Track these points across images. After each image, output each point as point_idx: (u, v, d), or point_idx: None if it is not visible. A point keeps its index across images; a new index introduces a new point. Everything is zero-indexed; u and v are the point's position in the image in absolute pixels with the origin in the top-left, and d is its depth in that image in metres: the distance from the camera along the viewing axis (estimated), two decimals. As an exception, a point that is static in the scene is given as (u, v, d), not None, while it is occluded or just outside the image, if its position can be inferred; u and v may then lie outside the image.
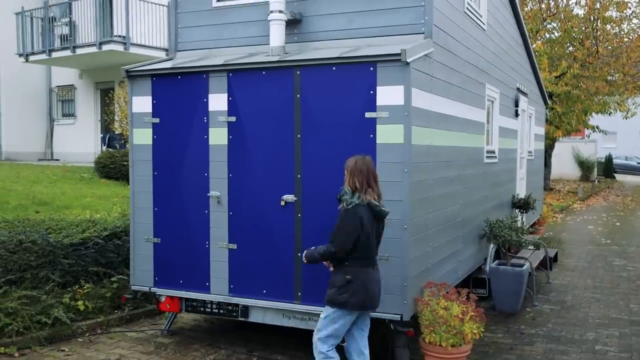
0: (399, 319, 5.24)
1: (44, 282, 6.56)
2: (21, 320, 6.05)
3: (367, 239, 4.58)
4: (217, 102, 5.86)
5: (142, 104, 6.25)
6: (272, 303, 5.65)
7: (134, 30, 16.59)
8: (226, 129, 5.83)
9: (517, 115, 10.17)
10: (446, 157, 6.33)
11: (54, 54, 18.01)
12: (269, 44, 5.90)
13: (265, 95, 5.66)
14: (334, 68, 5.37)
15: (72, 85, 21.09)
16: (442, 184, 6.19)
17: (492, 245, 8.19)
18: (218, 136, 5.88)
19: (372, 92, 5.24)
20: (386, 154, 5.22)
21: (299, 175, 5.52)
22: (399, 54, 5.07)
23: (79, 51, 17.33)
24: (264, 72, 5.66)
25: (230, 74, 5.79)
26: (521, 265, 7.86)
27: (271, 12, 5.81)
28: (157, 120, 6.16)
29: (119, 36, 16.64)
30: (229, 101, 5.81)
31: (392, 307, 5.25)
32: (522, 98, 10.55)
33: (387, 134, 5.21)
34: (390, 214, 5.14)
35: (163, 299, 6.23)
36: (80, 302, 6.59)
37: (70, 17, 17.83)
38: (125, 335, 6.56)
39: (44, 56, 18.27)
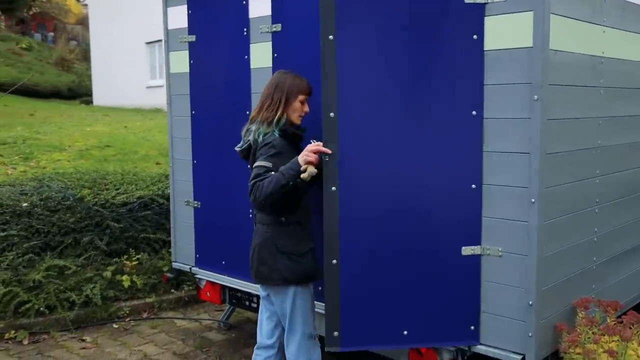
0: (519, 362, 2.98)
1: (87, 250, 5.33)
2: (45, 298, 4.87)
3: None
4: (259, 4, 3.93)
5: (178, 17, 4.54)
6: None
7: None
8: (270, 43, 3.90)
9: None
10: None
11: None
12: None
13: (318, -15, 3.61)
14: None
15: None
16: (628, 127, 3.63)
17: None
18: (261, 55, 3.97)
19: (477, -43, 2.92)
20: (500, 69, 2.90)
21: (364, 111, 3.43)
22: None
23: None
24: (316, -51, 3.60)
25: (275, -41, 3.82)
26: None
27: None
28: (193, 38, 4.43)
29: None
30: (272, 1, 3.86)
31: (507, 340, 3.00)
32: None
33: (501, 32, 2.88)
34: (503, 178, 2.92)
35: (203, 283, 4.61)
36: (124, 277, 5.25)
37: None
38: (173, 323, 5.10)
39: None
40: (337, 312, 3.03)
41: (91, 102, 24.64)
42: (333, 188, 2.98)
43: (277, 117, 3.20)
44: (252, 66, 4.04)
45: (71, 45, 35.74)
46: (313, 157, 2.96)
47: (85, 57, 30.35)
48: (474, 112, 2.96)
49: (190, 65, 4.47)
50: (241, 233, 4.23)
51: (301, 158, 2.97)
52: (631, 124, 3.67)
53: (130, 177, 6.11)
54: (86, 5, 43.94)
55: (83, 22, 39.49)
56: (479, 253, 3.04)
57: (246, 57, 4.05)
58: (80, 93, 25.78)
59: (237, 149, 3.37)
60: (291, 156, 3.09)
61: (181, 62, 4.55)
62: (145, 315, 5.20)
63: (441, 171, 3.01)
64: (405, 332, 3.06)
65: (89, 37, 27.91)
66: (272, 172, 3.05)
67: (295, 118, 3.26)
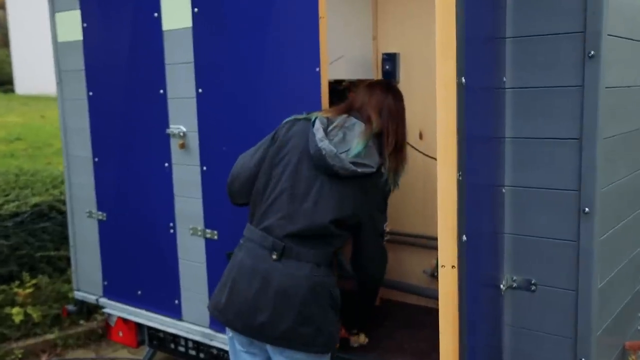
0: None
1: (-35, 276, 4.14)
2: None
3: None
4: (171, -61, 2.86)
5: (64, -35, 3.41)
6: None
7: None
8: (189, -6, 2.83)
9: None
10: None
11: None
12: None
13: None
14: None
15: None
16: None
17: None
18: (176, 11, 2.89)
19: None
20: (532, 13, 1.93)
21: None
22: None
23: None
24: None
25: None
26: None
27: None
28: (85, -8, 3.31)
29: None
30: None
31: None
32: None
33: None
34: (538, 177, 1.95)
35: (114, 320, 3.51)
36: (16, 310, 4.09)
37: None
38: (82, 366, 4.00)
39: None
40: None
41: (12, 90, 22.76)
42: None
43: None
44: (164, 27, 2.95)
45: (-9, 30, 33.33)
46: None
47: (6, 42, 28.19)
48: (504, 79, 1.97)
49: (84, 30, 3.34)
50: (161, 253, 3.18)
51: None
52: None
53: (26, 179, 4.90)
54: (5, -14, 41.35)
55: (3, 5, 36.96)
56: (503, 286, 2.08)
57: (156, 14, 2.96)
58: (1, 81, 23.82)
59: (343, 171, 2.13)
60: None
61: (71, 26, 3.41)
62: (44, 357, 4.06)
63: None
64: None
65: (8, 19, 25.85)
66: None
67: None
